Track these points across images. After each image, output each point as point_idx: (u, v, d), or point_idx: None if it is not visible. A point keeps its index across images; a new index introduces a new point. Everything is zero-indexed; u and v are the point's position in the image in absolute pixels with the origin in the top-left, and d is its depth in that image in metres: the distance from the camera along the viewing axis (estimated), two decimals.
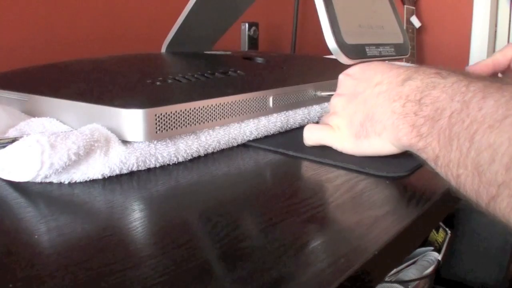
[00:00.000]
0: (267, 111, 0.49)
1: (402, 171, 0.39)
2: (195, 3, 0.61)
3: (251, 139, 0.47)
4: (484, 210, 0.25)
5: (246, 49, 1.12)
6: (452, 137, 0.29)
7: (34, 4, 0.77)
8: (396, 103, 0.36)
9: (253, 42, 1.13)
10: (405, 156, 0.44)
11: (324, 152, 0.43)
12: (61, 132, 0.36)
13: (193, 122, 0.41)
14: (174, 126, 0.40)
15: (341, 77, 0.44)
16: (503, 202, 0.24)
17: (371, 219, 0.30)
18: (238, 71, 0.56)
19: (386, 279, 0.75)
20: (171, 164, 0.40)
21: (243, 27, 1.12)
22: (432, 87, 0.33)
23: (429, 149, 0.32)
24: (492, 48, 1.83)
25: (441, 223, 1.08)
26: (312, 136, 0.44)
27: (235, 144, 0.46)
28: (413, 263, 0.84)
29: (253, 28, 1.12)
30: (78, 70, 0.57)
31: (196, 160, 0.42)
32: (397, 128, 0.35)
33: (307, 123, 0.54)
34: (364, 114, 0.39)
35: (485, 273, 0.93)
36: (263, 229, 0.29)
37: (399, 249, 0.30)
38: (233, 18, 0.71)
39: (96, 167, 0.35)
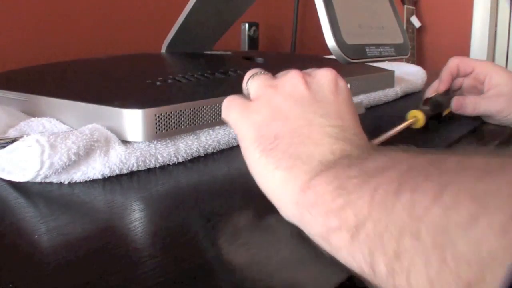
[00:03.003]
0: None
1: None
2: (195, 3, 0.61)
3: None
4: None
5: (246, 49, 1.12)
6: None
7: (34, 4, 0.77)
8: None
9: (253, 42, 1.13)
10: None
11: None
12: (61, 132, 0.36)
13: (193, 122, 0.41)
14: (174, 126, 0.40)
15: (296, 73, 0.32)
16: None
17: None
18: (238, 71, 0.56)
19: None
20: (171, 164, 0.40)
21: (243, 27, 1.12)
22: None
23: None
24: (492, 48, 1.83)
25: None
26: (224, 112, 0.33)
27: (235, 144, 0.46)
28: None
29: (253, 28, 1.12)
30: (78, 70, 0.57)
31: (196, 160, 0.42)
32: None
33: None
34: (291, 127, 0.29)
35: None
36: (265, 229, 0.29)
37: None
38: (233, 18, 0.71)
39: (96, 167, 0.35)
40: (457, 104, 0.58)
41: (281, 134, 0.29)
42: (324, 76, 0.32)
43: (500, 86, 0.57)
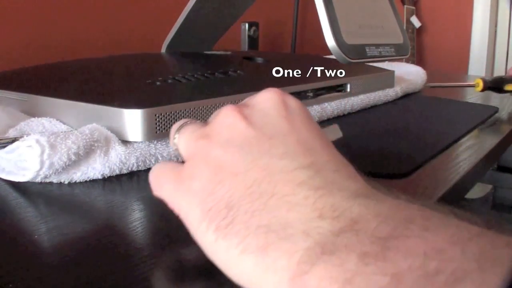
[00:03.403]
0: None
1: (402, 171, 0.39)
2: (195, 3, 0.61)
3: None
4: None
5: (246, 49, 1.12)
6: None
7: (34, 4, 0.77)
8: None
9: (253, 42, 1.13)
10: (405, 155, 0.44)
11: None
12: (61, 132, 0.36)
13: None
14: None
15: (229, 110, 0.24)
16: None
17: None
18: (238, 71, 0.56)
19: None
20: None
21: (243, 27, 1.12)
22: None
23: None
24: (492, 48, 1.83)
25: None
26: (155, 187, 0.25)
27: None
28: None
29: (253, 28, 1.12)
30: (78, 70, 0.57)
31: None
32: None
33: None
34: (244, 186, 0.21)
35: None
36: None
37: None
38: (233, 18, 0.71)
39: (96, 167, 0.35)
40: None
41: (234, 200, 0.20)
42: (266, 101, 0.24)
43: None
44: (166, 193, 0.24)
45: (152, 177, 0.25)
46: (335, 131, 0.36)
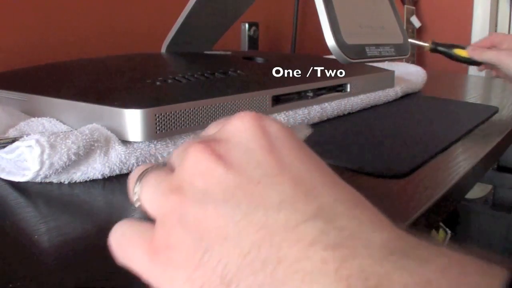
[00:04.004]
0: (267, 111, 0.49)
1: (402, 171, 0.39)
2: (195, 3, 0.61)
3: None
4: None
5: (246, 49, 1.12)
6: None
7: (34, 4, 0.77)
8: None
9: (253, 42, 1.12)
10: (405, 155, 0.44)
11: (325, 151, 0.43)
12: (61, 132, 0.36)
13: (193, 122, 0.41)
14: (174, 126, 0.40)
15: (199, 150, 0.19)
16: None
17: None
18: (238, 71, 0.56)
19: None
20: None
21: (243, 27, 1.12)
22: None
23: None
24: None
25: (441, 223, 1.08)
26: (121, 255, 0.20)
27: None
28: None
29: (253, 28, 1.12)
30: (78, 70, 0.57)
31: None
32: None
33: (307, 123, 0.54)
34: (239, 254, 0.16)
35: None
36: None
37: None
38: (233, 18, 0.71)
39: (96, 167, 0.35)
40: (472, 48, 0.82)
41: (230, 273, 0.16)
42: (241, 131, 0.19)
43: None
44: (139, 266, 0.18)
45: (115, 244, 0.20)
46: (305, 129, 0.35)
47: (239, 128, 0.19)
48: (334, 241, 0.15)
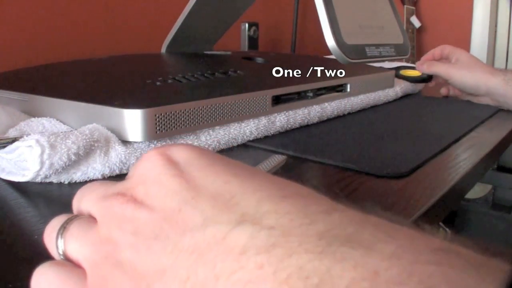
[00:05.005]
0: (267, 111, 0.49)
1: (402, 171, 0.39)
2: (195, 3, 0.61)
3: (251, 139, 0.47)
4: None
5: (246, 49, 1.12)
6: None
7: (34, 4, 0.77)
8: None
9: (253, 42, 1.12)
10: (405, 156, 0.44)
11: (324, 152, 0.43)
12: (61, 132, 0.36)
13: (193, 122, 0.41)
14: (174, 126, 0.40)
15: (118, 198, 0.19)
16: None
17: None
18: (238, 71, 0.56)
19: None
20: None
21: (243, 27, 1.12)
22: None
23: None
24: (492, 48, 1.83)
25: (441, 223, 1.08)
26: None
27: (235, 144, 0.46)
28: None
29: (253, 28, 1.12)
30: (78, 70, 0.57)
31: None
32: None
33: (307, 123, 0.54)
34: None
35: None
36: None
37: None
38: (233, 18, 0.71)
39: (96, 167, 0.35)
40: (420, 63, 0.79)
41: None
42: (150, 169, 0.19)
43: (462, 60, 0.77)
44: None
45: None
46: (276, 158, 0.33)
47: (148, 168, 0.19)
48: (266, 242, 0.14)
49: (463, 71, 0.74)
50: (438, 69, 0.76)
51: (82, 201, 0.21)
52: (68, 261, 0.19)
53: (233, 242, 0.15)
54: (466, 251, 0.13)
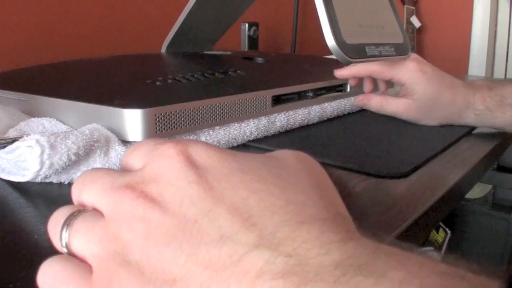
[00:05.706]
0: (267, 111, 0.49)
1: (402, 171, 0.39)
2: (195, 3, 0.61)
3: (251, 139, 0.47)
4: None
5: (246, 49, 1.12)
6: None
7: (34, 4, 0.77)
8: None
9: (253, 42, 1.12)
10: (405, 156, 0.44)
11: (324, 152, 0.43)
12: (61, 132, 0.36)
13: (193, 122, 0.41)
14: (174, 126, 0.40)
15: (128, 192, 0.18)
16: None
17: (371, 219, 0.30)
18: (238, 71, 0.56)
19: None
20: None
21: (243, 27, 1.12)
22: None
23: None
24: (492, 48, 1.83)
25: (441, 223, 1.08)
26: None
27: (235, 144, 0.46)
28: None
29: (253, 28, 1.12)
30: (78, 70, 0.57)
31: None
32: None
33: (307, 123, 0.54)
34: None
35: None
36: None
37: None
38: (233, 18, 0.71)
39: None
40: (359, 100, 0.62)
41: None
42: (168, 170, 0.18)
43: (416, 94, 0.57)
44: None
45: (45, 285, 0.18)
46: None
47: (164, 167, 0.19)
48: (282, 269, 0.15)
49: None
50: (357, 68, 0.60)
51: (84, 191, 0.20)
52: (73, 256, 0.19)
53: (249, 265, 0.15)
54: (470, 275, 0.14)
